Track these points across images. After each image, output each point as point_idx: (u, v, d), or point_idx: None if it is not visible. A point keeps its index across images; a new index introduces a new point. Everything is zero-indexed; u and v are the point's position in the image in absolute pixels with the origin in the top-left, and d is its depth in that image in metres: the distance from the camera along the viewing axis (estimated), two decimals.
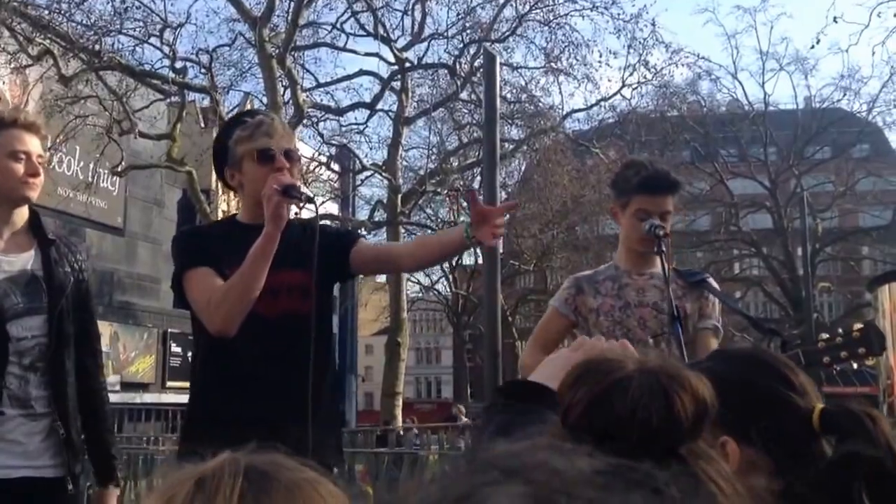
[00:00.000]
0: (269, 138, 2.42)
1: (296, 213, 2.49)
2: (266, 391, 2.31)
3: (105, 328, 18.92)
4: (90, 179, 18.21)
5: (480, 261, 19.38)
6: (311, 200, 2.32)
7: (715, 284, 2.91)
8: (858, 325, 2.27)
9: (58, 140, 16.31)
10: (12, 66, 15.44)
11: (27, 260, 2.48)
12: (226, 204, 20.95)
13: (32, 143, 2.50)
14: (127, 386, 18.91)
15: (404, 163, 19.65)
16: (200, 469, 0.78)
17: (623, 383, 0.74)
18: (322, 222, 2.60)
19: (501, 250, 19.70)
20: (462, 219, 21.59)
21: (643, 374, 0.75)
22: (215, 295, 2.31)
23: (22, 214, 2.53)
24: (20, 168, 2.45)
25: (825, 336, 2.25)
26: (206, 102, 17.13)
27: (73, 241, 2.70)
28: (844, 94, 26.75)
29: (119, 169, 17.66)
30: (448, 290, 24.28)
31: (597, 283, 2.89)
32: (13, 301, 2.41)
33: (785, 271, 26.27)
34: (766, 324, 2.80)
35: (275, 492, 0.75)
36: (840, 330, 2.26)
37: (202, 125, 17.12)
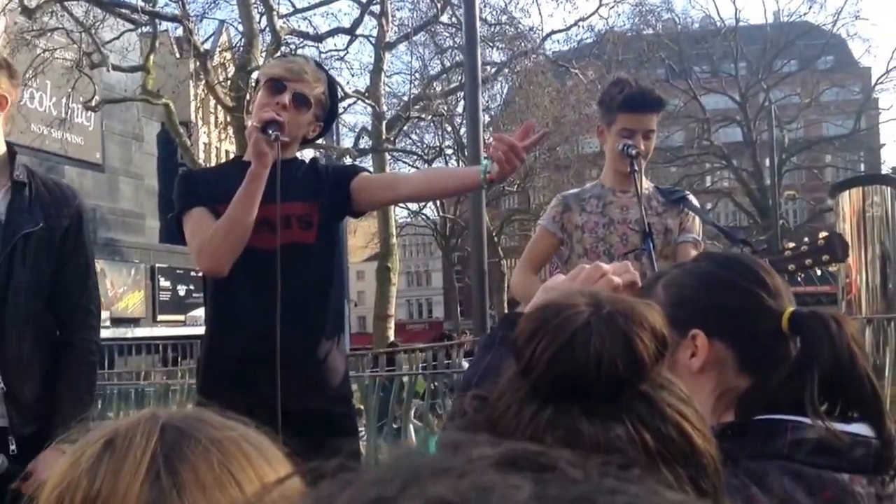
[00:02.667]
0: (288, 74, 2.27)
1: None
2: (265, 325, 2.15)
3: None
4: (64, 115, 16.85)
5: None
6: (279, 140, 2.17)
7: (695, 201, 2.86)
8: (823, 234, 2.29)
9: (27, 75, 15.01)
10: None
11: None
12: (206, 136, 19.67)
13: None
14: (117, 321, 17.99)
15: (387, 89, 18.62)
16: (114, 427, 0.71)
17: (583, 333, 0.72)
18: (310, 153, 2.16)
19: None
20: (447, 142, 20.65)
21: (601, 320, 0.73)
22: (205, 236, 2.21)
23: None
24: None
25: (791, 245, 2.29)
26: (180, 32, 15.84)
27: (65, 190, 2.37)
28: (811, 7, 26.60)
29: (93, 103, 16.38)
30: (436, 213, 23.68)
31: (583, 200, 2.82)
32: None
33: (753, 182, 26.46)
34: (736, 234, 2.80)
35: (190, 451, 0.68)
36: (805, 239, 2.29)
37: (177, 56, 15.80)
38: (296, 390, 2.13)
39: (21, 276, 2.22)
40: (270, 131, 2.13)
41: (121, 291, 18.89)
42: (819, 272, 2.27)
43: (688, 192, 2.93)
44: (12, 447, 2.14)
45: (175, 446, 0.69)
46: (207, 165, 14.35)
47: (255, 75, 2.31)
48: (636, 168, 2.63)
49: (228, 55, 16.64)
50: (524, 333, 0.75)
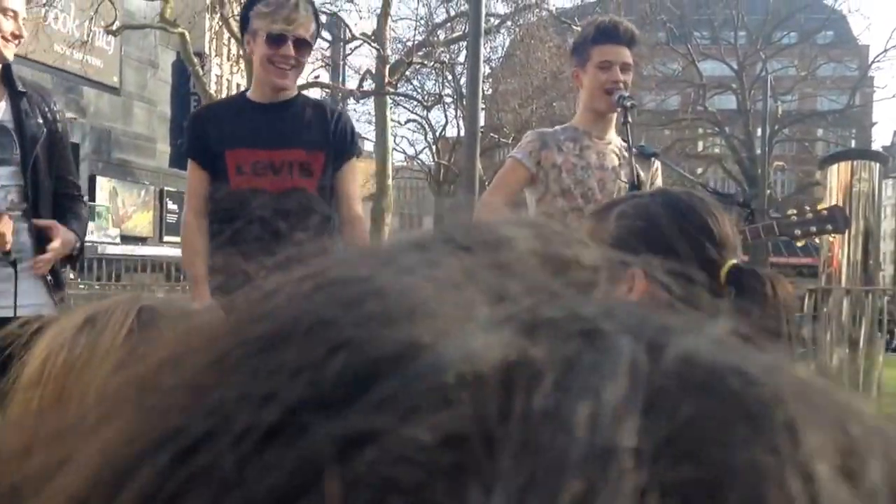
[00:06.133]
0: (287, 25, 2.32)
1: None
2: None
3: (105, 184, 18.45)
4: (85, 38, 17.27)
5: (462, 133, 19.09)
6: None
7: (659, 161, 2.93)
8: (826, 206, 2.42)
9: None
10: None
11: None
12: (219, 67, 20.09)
13: (19, 2, 2.32)
14: (126, 239, 18.66)
15: (393, 34, 18.88)
16: (96, 306, 0.77)
17: None
18: (313, 92, 2.51)
19: (482, 124, 19.37)
20: (446, 90, 21.03)
21: None
22: (187, 213, 2.46)
23: None
24: (6, 25, 2.27)
25: (795, 212, 2.37)
26: None
27: (46, 90, 2.54)
28: None
29: (113, 27, 16.76)
30: (431, 160, 23.98)
31: (559, 140, 2.73)
32: None
33: (744, 150, 26.64)
34: (732, 196, 2.86)
35: (161, 325, 0.73)
36: (808, 208, 2.40)
37: None
38: None
39: (46, 181, 2.34)
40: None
41: (131, 210, 19.51)
42: (802, 243, 2.36)
43: (659, 152, 2.98)
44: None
45: (150, 323, 0.74)
46: (219, 97, 14.86)
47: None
48: (629, 119, 2.58)
49: None
50: None
